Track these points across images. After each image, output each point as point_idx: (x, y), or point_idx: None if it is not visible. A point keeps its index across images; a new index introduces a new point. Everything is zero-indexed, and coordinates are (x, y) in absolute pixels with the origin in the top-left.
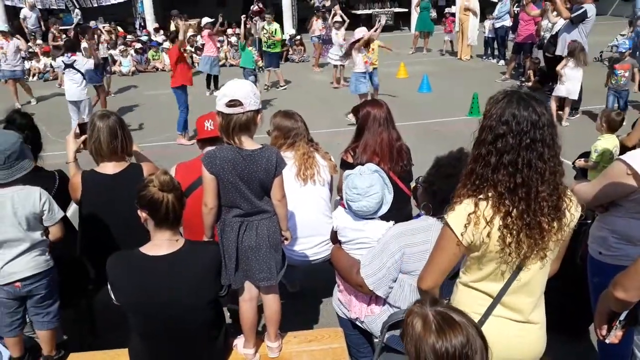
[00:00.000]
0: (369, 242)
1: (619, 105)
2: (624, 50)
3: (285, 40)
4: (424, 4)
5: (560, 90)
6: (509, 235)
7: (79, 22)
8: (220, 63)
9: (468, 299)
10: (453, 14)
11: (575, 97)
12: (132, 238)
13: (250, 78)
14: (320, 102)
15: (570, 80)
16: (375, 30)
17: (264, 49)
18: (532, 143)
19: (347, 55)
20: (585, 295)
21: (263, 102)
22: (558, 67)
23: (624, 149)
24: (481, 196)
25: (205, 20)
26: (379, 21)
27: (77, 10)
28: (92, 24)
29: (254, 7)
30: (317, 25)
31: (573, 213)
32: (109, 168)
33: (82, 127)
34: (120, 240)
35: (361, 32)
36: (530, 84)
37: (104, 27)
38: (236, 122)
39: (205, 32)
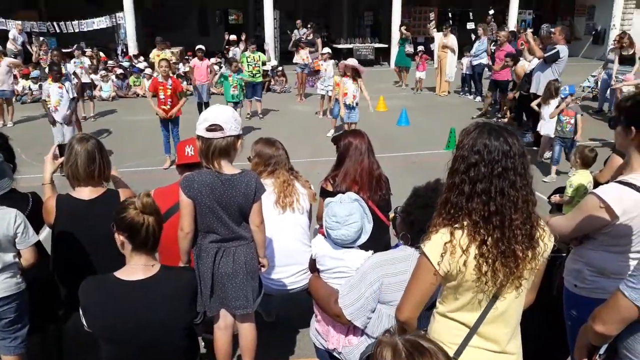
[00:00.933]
0: (348, 272)
1: (566, 154)
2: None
3: (267, 71)
4: (401, 40)
5: (546, 128)
6: (484, 264)
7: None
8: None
9: (444, 329)
10: (427, 52)
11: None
12: (106, 264)
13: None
14: (302, 131)
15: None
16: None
17: (247, 78)
18: (504, 171)
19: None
20: (561, 327)
21: (245, 130)
22: (532, 104)
23: (597, 184)
24: (457, 225)
25: (200, 48)
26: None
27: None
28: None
29: (230, 37)
30: (303, 54)
31: (546, 243)
32: (85, 193)
33: (62, 148)
34: (94, 266)
35: (354, 62)
36: (506, 119)
37: (84, 51)
38: (216, 146)
39: (196, 61)
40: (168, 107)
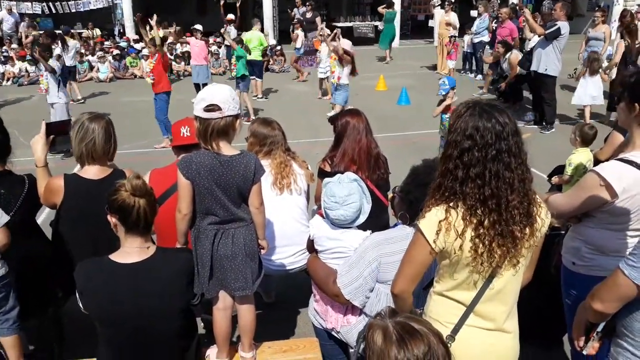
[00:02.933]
0: (346, 252)
1: None
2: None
3: (266, 50)
4: (390, 15)
5: (582, 99)
6: (481, 245)
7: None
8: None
9: (441, 308)
10: (455, 37)
11: (601, 102)
12: (113, 246)
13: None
14: (300, 112)
15: (591, 88)
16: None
17: (248, 58)
18: (498, 154)
19: (344, 62)
20: (558, 305)
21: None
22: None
23: (597, 162)
24: (451, 204)
25: (197, 27)
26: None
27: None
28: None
29: (227, 17)
30: (300, 36)
31: (543, 218)
32: (92, 172)
33: (50, 127)
34: (100, 248)
35: (349, 44)
36: (502, 86)
37: (77, 32)
38: (214, 127)
39: (193, 40)
40: (150, 80)
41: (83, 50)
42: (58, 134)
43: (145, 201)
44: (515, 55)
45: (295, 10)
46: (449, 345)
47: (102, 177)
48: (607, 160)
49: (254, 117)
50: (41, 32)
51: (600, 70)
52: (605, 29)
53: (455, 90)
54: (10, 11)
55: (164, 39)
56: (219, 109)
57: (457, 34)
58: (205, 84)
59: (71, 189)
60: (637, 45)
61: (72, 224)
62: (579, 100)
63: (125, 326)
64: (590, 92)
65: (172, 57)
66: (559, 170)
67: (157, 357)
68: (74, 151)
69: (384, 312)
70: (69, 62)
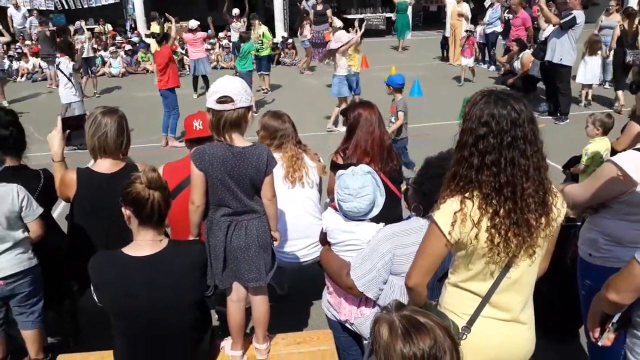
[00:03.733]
0: (359, 244)
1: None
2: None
3: (277, 43)
4: (402, 5)
5: (587, 77)
6: (497, 235)
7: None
8: (212, 65)
9: (456, 300)
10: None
11: (597, 82)
12: (126, 239)
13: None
14: (311, 105)
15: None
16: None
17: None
18: (514, 141)
19: (331, 55)
20: (574, 297)
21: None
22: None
23: (614, 153)
24: (467, 195)
25: (193, 23)
26: (362, 26)
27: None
28: (77, 24)
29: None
30: (307, 29)
31: (559, 208)
32: (105, 166)
33: (65, 122)
34: (113, 242)
35: (344, 35)
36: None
37: (88, 28)
38: (227, 119)
39: (189, 35)
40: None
41: (95, 46)
42: (73, 129)
43: (160, 194)
44: (528, 56)
45: (304, 3)
46: (464, 336)
47: (115, 171)
48: (624, 150)
49: (255, 111)
50: (52, 28)
51: (599, 52)
52: (619, 18)
53: (401, 90)
54: (16, 6)
55: (166, 35)
56: (232, 100)
57: (473, 29)
58: (204, 76)
59: (83, 182)
60: (633, 29)
61: (85, 217)
62: (584, 79)
63: (139, 319)
64: (593, 71)
65: (184, 52)
66: (574, 161)
67: (171, 349)
68: (87, 145)
69: (391, 305)
70: (87, 54)
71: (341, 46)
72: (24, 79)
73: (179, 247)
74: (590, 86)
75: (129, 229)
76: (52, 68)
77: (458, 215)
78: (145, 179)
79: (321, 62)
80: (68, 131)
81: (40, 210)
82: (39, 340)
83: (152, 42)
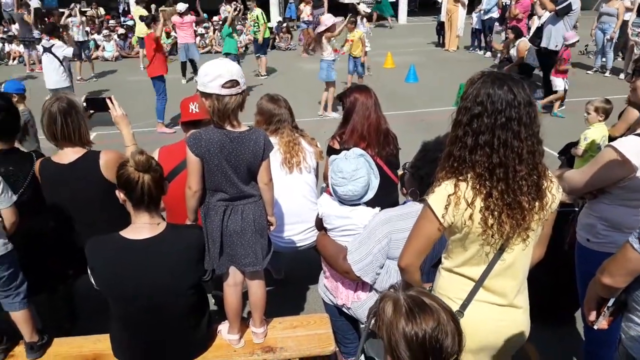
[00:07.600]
0: (355, 229)
1: None
2: None
3: (272, 27)
4: None
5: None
6: (490, 216)
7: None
8: (206, 49)
9: (450, 284)
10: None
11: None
12: (87, 231)
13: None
14: (308, 90)
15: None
16: (349, 24)
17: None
18: (508, 122)
19: (316, 42)
20: (572, 282)
21: (249, 89)
22: None
23: (611, 139)
24: (461, 177)
25: (181, 6)
26: (356, 15)
27: None
28: (72, 6)
29: None
30: (305, 10)
31: (554, 194)
32: (66, 156)
33: (89, 102)
34: (76, 232)
35: (329, 19)
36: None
37: (81, 10)
38: (234, 103)
39: (177, 18)
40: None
41: (88, 29)
42: (98, 111)
43: (150, 177)
44: (524, 43)
45: None
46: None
47: (72, 161)
48: (621, 135)
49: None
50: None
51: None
52: (618, 5)
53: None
54: None
55: (155, 17)
56: (238, 84)
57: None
58: (192, 60)
59: (44, 174)
60: None
61: (50, 209)
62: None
63: (136, 302)
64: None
65: (170, 41)
66: (570, 147)
67: (168, 332)
68: (45, 136)
69: (398, 284)
70: (78, 37)
71: (325, 30)
72: (15, 62)
73: (177, 231)
74: None
75: (92, 219)
76: (31, 52)
77: (452, 199)
78: (133, 162)
79: (305, 53)
80: (92, 112)
81: (15, 198)
82: (30, 322)
83: (140, 25)
